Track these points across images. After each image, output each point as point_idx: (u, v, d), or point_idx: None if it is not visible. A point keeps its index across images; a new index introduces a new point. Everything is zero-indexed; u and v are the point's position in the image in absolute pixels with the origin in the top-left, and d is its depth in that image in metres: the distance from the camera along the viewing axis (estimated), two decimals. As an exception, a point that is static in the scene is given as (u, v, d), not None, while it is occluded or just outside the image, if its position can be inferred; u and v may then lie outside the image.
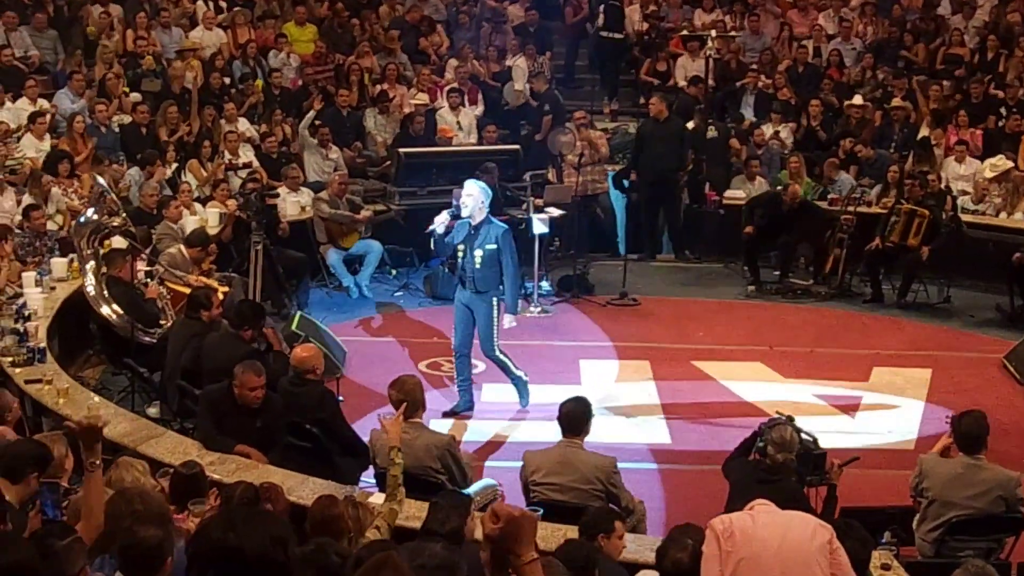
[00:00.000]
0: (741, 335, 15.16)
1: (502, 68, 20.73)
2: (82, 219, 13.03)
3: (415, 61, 20.89)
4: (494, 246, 12.28)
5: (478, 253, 12.27)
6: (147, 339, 12.15)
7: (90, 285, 12.49)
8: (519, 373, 12.73)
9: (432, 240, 12.52)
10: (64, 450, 7.20)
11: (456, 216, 12.37)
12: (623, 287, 16.52)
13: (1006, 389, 13.60)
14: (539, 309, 15.83)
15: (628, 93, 21.91)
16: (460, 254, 12.46)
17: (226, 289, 13.32)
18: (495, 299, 12.45)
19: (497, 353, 12.55)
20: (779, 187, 17.59)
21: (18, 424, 8.86)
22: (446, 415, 12.35)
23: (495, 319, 12.47)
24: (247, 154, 17.68)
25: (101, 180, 13.52)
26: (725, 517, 6.52)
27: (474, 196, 12.34)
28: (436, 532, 6.51)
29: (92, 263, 12.57)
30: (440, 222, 12.29)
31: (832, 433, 11.45)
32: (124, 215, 12.95)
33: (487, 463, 10.80)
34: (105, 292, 12.45)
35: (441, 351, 14.25)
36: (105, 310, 12.37)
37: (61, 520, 5.40)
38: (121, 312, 12.29)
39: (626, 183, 18.44)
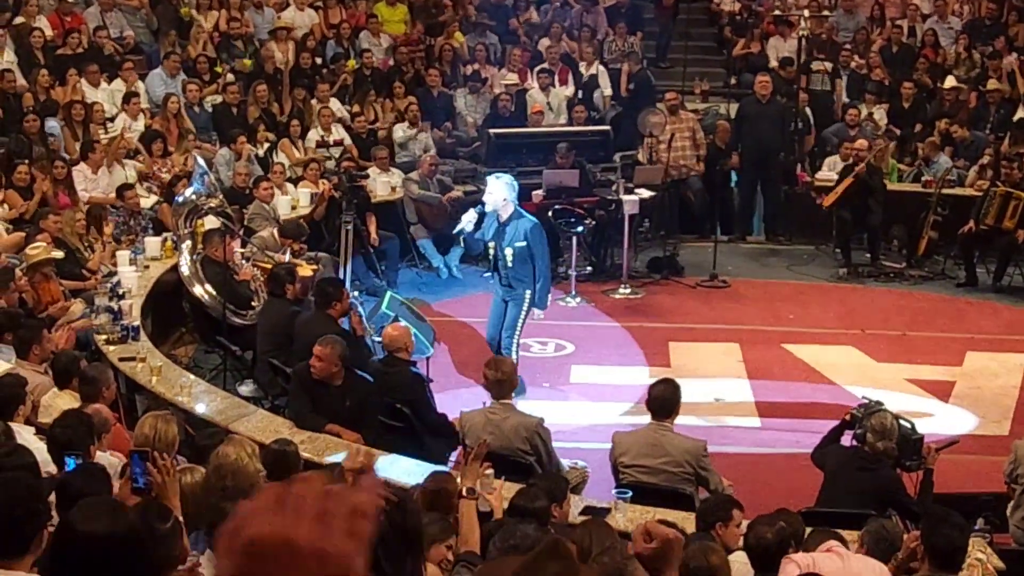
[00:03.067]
0: (833, 318, 15.05)
1: (594, 48, 20.59)
2: (180, 199, 13.18)
3: (506, 41, 20.86)
4: (523, 243, 12.19)
5: (508, 251, 12.20)
6: (238, 320, 12.23)
7: (184, 265, 12.60)
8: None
9: (462, 238, 12.46)
10: (175, 429, 7.29)
11: (483, 213, 12.29)
12: (713, 269, 16.43)
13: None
14: (628, 290, 15.78)
15: (719, 74, 21.74)
16: (491, 250, 12.38)
17: (316, 268, 13.38)
18: (527, 294, 12.35)
19: (513, 345, 12.41)
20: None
21: (112, 402, 8.95)
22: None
23: (524, 315, 12.38)
24: (339, 133, 17.75)
25: (201, 160, 13.65)
26: (807, 556, 6.42)
27: (495, 193, 12.26)
28: (524, 509, 6.51)
29: (188, 243, 12.69)
30: (468, 220, 12.26)
31: (924, 418, 11.34)
32: (221, 196, 13.07)
33: (575, 444, 10.76)
34: (200, 272, 12.55)
35: (531, 332, 14.23)
36: (198, 290, 12.47)
37: (157, 500, 5.44)
38: (214, 293, 12.39)
39: (721, 164, 18.25)
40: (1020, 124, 18.28)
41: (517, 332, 12.38)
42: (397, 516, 4.73)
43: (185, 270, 12.57)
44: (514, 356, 12.23)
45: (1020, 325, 14.94)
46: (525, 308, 12.34)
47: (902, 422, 9.17)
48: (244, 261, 13.15)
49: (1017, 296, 15.98)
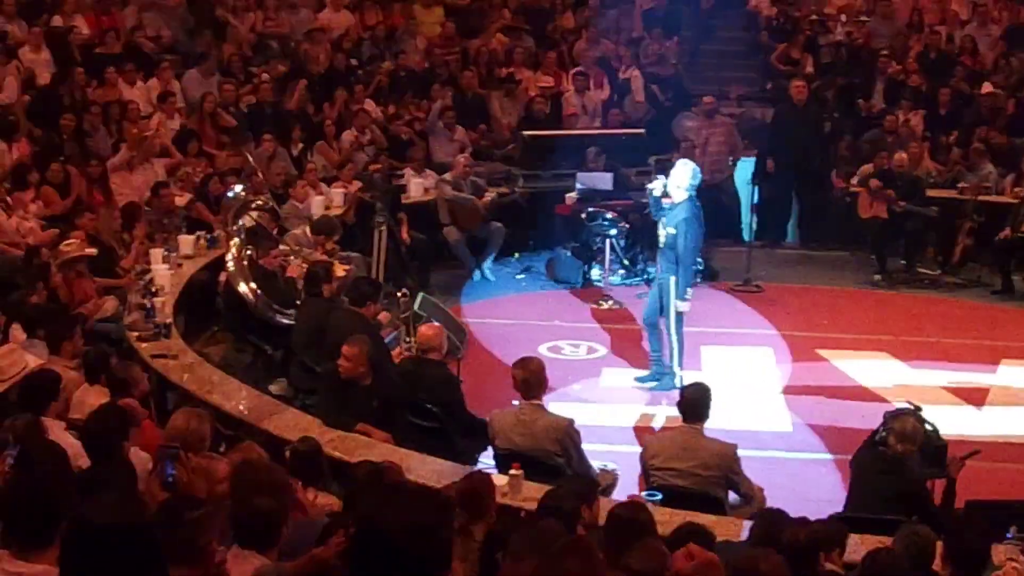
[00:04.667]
0: (867, 324, 14.96)
1: (631, 52, 20.51)
2: (230, 195, 13.22)
3: (541, 45, 20.82)
4: (674, 230, 12.36)
5: (661, 233, 12.60)
6: (282, 319, 12.19)
7: (231, 261, 12.57)
8: (671, 363, 12.73)
9: (650, 201, 12.81)
10: (208, 427, 7.32)
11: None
12: (747, 273, 16.37)
13: None
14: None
15: (754, 79, 21.66)
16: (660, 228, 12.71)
17: (348, 268, 13.38)
18: (671, 281, 12.55)
19: (674, 336, 12.68)
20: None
21: (144, 398, 8.97)
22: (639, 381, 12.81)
23: (672, 303, 12.62)
24: (373, 134, 17.74)
25: (250, 158, 13.71)
26: None
27: (678, 176, 12.56)
28: (553, 509, 6.48)
29: (236, 240, 12.69)
30: (656, 186, 12.63)
31: (957, 424, 11.28)
32: (268, 194, 13.12)
33: (606, 447, 10.73)
34: (246, 270, 12.52)
35: (563, 334, 14.26)
36: (243, 288, 12.41)
37: (189, 493, 5.46)
38: (259, 292, 12.35)
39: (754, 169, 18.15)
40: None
41: (672, 321, 12.66)
42: None
43: (231, 266, 12.54)
44: (675, 346, 12.70)
45: (1056, 332, 14.86)
46: (672, 297, 12.58)
47: (927, 427, 9.13)
48: (292, 257, 13.10)
49: (1053, 304, 15.89)
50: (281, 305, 12.33)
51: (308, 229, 13.94)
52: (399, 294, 12.60)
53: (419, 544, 3.62)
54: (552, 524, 4.80)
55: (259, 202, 13.29)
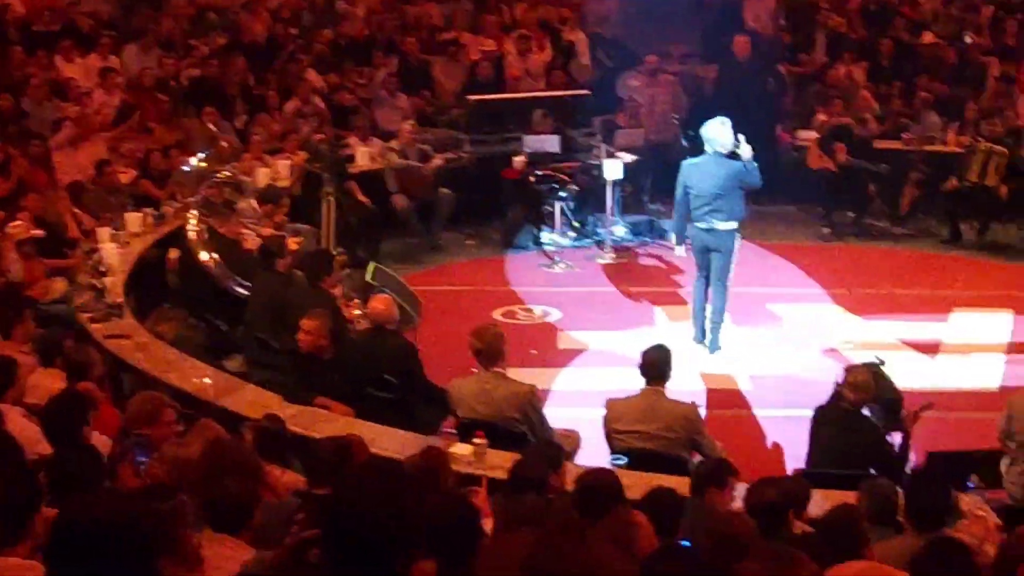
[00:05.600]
0: (818, 277, 14.99)
1: (578, 15, 20.40)
2: (186, 168, 13.11)
3: (481, 8, 20.70)
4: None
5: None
6: (241, 290, 12.08)
7: (192, 230, 12.45)
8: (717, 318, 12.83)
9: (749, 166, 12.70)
10: (173, 415, 7.25)
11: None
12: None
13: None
14: (612, 255, 15.73)
15: (695, 36, 21.58)
16: None
17: (299, 240, 13.28)
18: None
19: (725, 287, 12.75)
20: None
21: (100, 380, 8.87)
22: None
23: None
24: (315, 104, 17.60)
25: (212, 127, 13.59)
26: None
27: (725, 136, 12.64)
28: (523, 478, 6.46)
29: (195, 210, 12.57)
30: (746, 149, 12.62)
31: (914, 376, 11.34)
32: (232, 166, 13.03)
33: (567, 411, 10.71)
34: (207, 238, 12.42)
35: (516, 299, 14.24)
36: (204, 256, 12.30)
37: (162, 481, 5.40)
38: (220, 260, 12.25)
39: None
40: (1000, 80, 18.24)
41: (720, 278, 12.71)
42: None
43: (192, 234, 12.42)
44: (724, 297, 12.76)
45: (1005, 280, 14.97)
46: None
47: (883, 381, 9.19)
48: (248, 232, 13.00)
49: (1001, 252, 16.00)
50: (241, 276, 12.25)
51: (255, 202, 13.84)
52: (344, 269, 12.51)
53: (395, 520, 3.57)
54: (532, 498, 4.76)
55: (226, 174, 13.18)
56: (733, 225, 12.58)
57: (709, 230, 12.55)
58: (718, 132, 12.61)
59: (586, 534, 3.67)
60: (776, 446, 10.60)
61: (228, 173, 13.17)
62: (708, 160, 12.65)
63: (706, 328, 12.72)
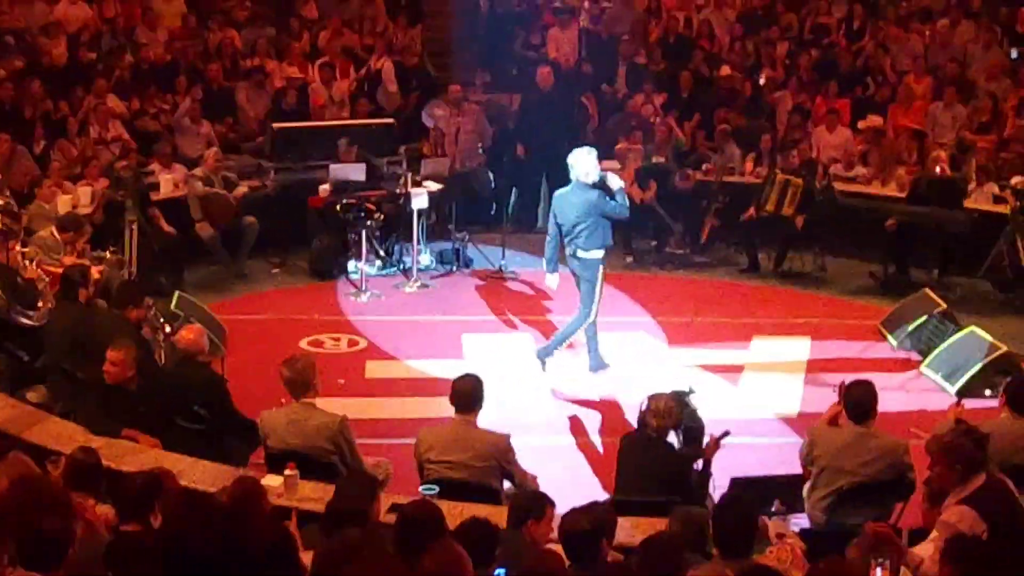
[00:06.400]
0: (622, 306, 15.19)
1: (385, 42, 20.40)
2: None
3: (285, 34, 20.57)
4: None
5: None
6: (25, 320, 11.83)
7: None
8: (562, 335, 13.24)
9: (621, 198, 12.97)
10: None
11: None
12: (502, 260, 16.49)
13: (883, 354, 13.81)
14: (418, 284, 15.77)
15: (500, 66, 21.76)
16: None
17: (101, 269, 13.06)
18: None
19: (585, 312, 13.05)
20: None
21: None
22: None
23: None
24: (117, 130, 17.33)
25: None
26: None
27: (588, 165, 12.91)
28: (342, 511, 6.44)
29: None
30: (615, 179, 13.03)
31: (715, 402, 11.56)
32: (7, 194, 12.71)
33: (379, 441, 10.69)
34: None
35: (323, 328, 14.19)
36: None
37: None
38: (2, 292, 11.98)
39: (505, 158, 18.23)
40: (795, 112, 18.73)
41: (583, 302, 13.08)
42: None
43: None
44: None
45: (802, 308, 15.36)
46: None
47: (688, 408, 9.38)
48: (28, 262, 12.76)
49: (797, 281, 16.41)
50: (22, 305, 11.97)
51: (55, 230, 13.57)
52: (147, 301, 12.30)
53: (212, 549, 3.56)
54: (353, 533, 4.73)
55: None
56: (596, 254, 12.87)
57: (573, 255, 12.94)
58: (580, 161, 12.90)
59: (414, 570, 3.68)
60: (588, 473, 10.71)
61: (2, 203, 12.84)
62: (572, 189, 12.94)
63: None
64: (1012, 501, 7.52)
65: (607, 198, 12.78)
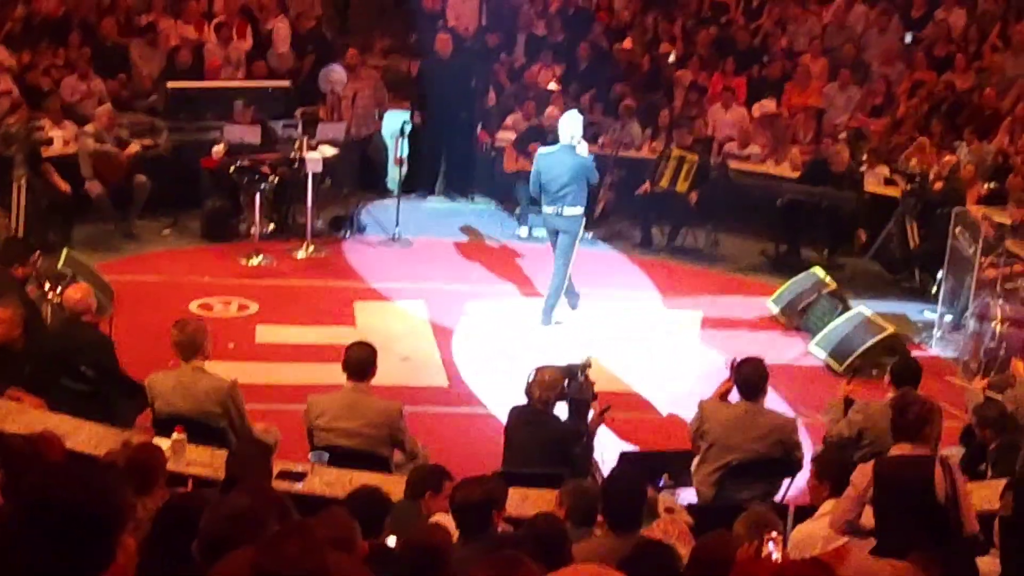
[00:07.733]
0: (515, 277, 15.20)
1: (272, 3, 20.17)
2: None
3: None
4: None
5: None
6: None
7: None
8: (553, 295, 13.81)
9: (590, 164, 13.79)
10: None
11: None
12: (396, 227, 16.41)
13: (773, 331, 13.98)
14: (311, 249, 15.64)
15: (398, 31, 21.67)
16: None
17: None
18: None
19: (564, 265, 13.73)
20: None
21: None
22: None
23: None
24: (6, 84, 17.00)
25: None
26: None
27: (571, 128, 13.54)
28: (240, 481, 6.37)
29: None
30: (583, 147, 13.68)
31: (606, 375, 11.62)
32: None
33: (267, 406, 10.59)
34: None
35: (214, 291, 14.05)
36: None
37: None
38: None
39: (408, 124, 18.08)
40: (692, 89, 18.81)
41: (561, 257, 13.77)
42: None
43: None
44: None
45: (694, 283, 15.49)
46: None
47: (574, 381, 9.42)
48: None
49: (690, 256, 16.50)
50: None
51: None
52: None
53: (92, 511, 3.47)
54: (246, 502, 4.63)
55: None
56: (579, 211, 13.58)
57: (558, 214, 13.51)
58: (571, 123, 13.53)
59: (312, 536, 3.62)
60: (481, 444, 10.70)
61: None
62: (561, 150, 13.50)
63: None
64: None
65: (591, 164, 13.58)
